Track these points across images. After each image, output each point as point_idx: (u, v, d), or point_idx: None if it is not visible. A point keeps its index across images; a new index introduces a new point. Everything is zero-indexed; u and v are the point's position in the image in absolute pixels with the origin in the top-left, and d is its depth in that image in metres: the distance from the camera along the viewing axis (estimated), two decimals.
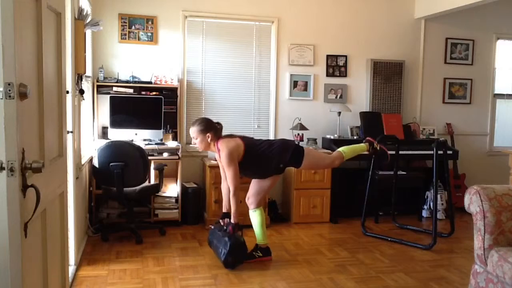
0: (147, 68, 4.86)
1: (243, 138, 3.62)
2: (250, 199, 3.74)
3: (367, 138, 4.00)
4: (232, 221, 3.54)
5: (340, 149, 3.84)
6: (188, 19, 5.00)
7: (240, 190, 3.54)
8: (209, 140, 3.55)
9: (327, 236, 4.50)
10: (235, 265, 3.52)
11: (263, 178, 3.70)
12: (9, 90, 1.45)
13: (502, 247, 2.59)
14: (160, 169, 4.32)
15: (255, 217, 3.72)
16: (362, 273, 3.51)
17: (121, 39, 4.82)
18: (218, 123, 3.64)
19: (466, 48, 5.84)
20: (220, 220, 3.72)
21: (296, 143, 3.80)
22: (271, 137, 5.27)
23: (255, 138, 3.80)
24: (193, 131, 3.57)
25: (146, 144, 4.49)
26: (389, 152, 4.68)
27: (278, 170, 3.68)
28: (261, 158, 3.58)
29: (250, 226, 3.82)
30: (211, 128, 3.57)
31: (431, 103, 5.78)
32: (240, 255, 3.53)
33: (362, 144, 3.94)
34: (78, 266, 3.48)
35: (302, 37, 5.30)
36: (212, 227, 3.81)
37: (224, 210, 3.74)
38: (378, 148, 3.94)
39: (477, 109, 5.96)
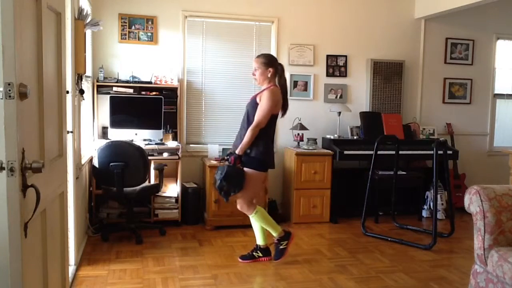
0: (147, 68, 4.86)
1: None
2: (244, 207, 3.63)
3: (290, 232, 3.76)
4: (237, 151, 3.47)
5: (259, 210, 3.66)
6: (188, 19, 5.00)
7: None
8: (269, 75, 3.57)
9: (327, 236, 4.50)
10: (229, 193, 3.44)
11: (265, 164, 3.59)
12: (9, 90, 1.45)
13: (502, 247, 2.59)
14: (160, 169, 4.32)
15: (255, 221, 3.70)
16: (362, 273, 3.51)
17: (121, 39, 4.82)
18: (281, 65, 3.66)
19: (466, 48, 5.84)
20: (226, 157, 3.66)
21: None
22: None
23: None
24: (257, 60, 3.61)
25: (146, 144, 4.49)
26: (389, 152, 4.70)
27: (270, 163, 3.63)
28: (271, 135, 3.62)
29: (249, 226, 3.82)
30: (275, 65, 3.60)
31: (431, 103, 5.78)
32: (236, 182, 3.43)
33: (279, 229, 3.71)
34: (78, 266, 3.48)
35: (302, 37, 5.30)
36: (219, 165, 3.71)
37: (232, 150, 3.63)
38: (285, 245, 3.71)
39: (477, 109, 5.96)
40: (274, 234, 3.71)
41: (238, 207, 3.67)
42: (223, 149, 4.84)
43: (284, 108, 3.68)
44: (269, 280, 3.35)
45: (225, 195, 3.47)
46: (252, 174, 3.50)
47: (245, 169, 3.50)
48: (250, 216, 3.68)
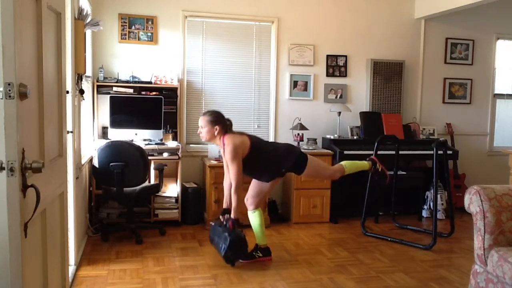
0: (147, 68, 4.86)
1: (250, 136, 3.62)
2: (249, 200, 3.74)
3: (372, 157, 4.05)
4: (232, 216, 3.52)
5: (343, 162, 3.90)
6: (188, 19, 5.00)
7: (242, 188, 3.52)
8: (216, 132, 3.53)
9: (327, 236, 4.50)
10: (235, 260, 3.53)
11: (264, 181, 3.70)
12: (9, 90, 1.45)
13: (502, 247, 2.59)
14: (160, 169, 4.32)
15: (254, 218, 3.72)
16: (362, 273, 3.51)
17: (121, 39, 4.82)
18: (229, 120, 3.63)
19: (466, 48, 5.84)
20: (220, 216, 3.69)
21: (301, 150, 3.79)
22: (271, 137, 5.28)
23: (261, 138, 3.80)
24: (203, 119, 3.57)
25: (146, 144, 4.49)
26: (389, 152, 4.70)
27: (279, 174, 3.70)
28: (265, 159, 3.59)
29: (249, 226, 3.82)
30: (221, 122, 3.56)
31: (431, 103, 5.78)
32: (240, 250, 3.52)
33: (365, 162, 3.99)
34: (78, 266, 3.48)
35: (302, 37, 5.30)
36: (213, 223, 3.80)
37: (224, 206, 3.72)
38: (380, 169, 3.97)
39: (477, 109, 5.96)
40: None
41: (245, 199, 3.76)
42: None
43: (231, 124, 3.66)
44: (269, 280, 3.35)
45: (232, 263, 3.54)
46: (308, 163, 3.62)
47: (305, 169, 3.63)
48: (249, 211, 3.73)
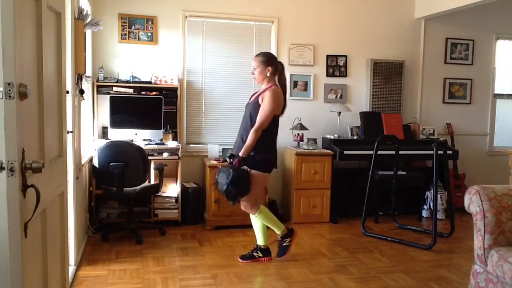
0: (147, 68, 4.86)
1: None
2: (249, 207, 3.64)
3: (292, 229, 3.81)
4: (240, 154, 3.44)
5: (262, 209, 3.67)
6: (188, 19, 4.99)
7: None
8: (268, 73, 3.54)
9: (327, 236, 4.50)
10: (236, 197, 3.44)
11: (265, 156, 3.56)
12: (9, 90, 1.45)
13: (502, 247, 2.59)
14: (160, 169, 4.32)
15: (257, 221, 3.70)
16: (362, 273, 3.51)
17: (121, 39, 4.82)
18: (281, 63, 3.65)
19: (466, 48, 5.84)
20: (227, 158, 3.64)
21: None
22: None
23: None
24: (256, 59, 3.59)
25: (146, 144, 4.49)
26: (389, 152, 4.69)
27: (274, 162, 3.64)
28: (275, 135, 3.62)
29: (249, 226, 3.82)
30: (274, 63, 3.58)
31: (431, 103, 5.78)
32: (242, 185, 3.41)
33: (282, 225, 3.75)
34: (78, 266, 3.48)
35: (302, 37, 5.30)
36: (220, 167, 3.69)
37: (233, 152, 3.61)
38: (289, 244, 3.74)
39: (477, 109, 5.96)
40: (278, 232, 3.72)
41: (242, 207, 3.66)
42: (223, 149, 4.84)
43: (283, 107, 3.67)
44: (269, 280, 3.35)
45: (233, 199, 3.47)
46: (258, 176, 3.50)
47: (250, 170, 3.49)
48: (254, 216, 3.68)
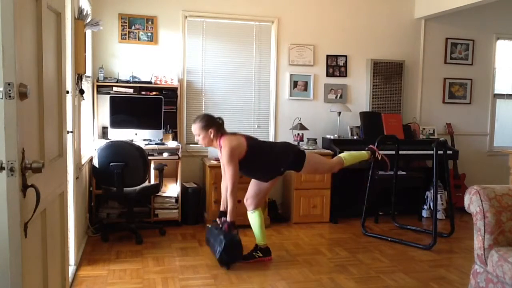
0: (147, 68, 4.86)
1: (246, 137, 3.60)
2: (249, 200, 3.73)
3: (370, 146, 4.01)
4: (228, 219, 3.52)
5: (341, 155, 3.87)
6: (188, 19, 5.00)
7: (239, 190, 3.53)
8: (211, 136, 3.53)
9: (327, 236, 4.50)
10: (230, 264, 3.52)
11: (263, 181, 3.69)
12: (9, 90, 1.45)
13: (502, 247, 2.59)
14: (160, 169, 4.32)
15: (254, 218, 3.72)
16: (362, 273, 3.51)
17: (121, 39, 4.82)
18: (220, 118, 3.63)
19: (466, 48, 5.84)
20: (217, 219, 3.70)
21: (298, 147, 3.79)
22: (271, 137, 5.28)
23: (258, 139, 3.78)
24: (195, 127, 3.56)
25: (146, 144, 4.49)
26: (389, 152, 4.69)
27: (278, 173, 3.68)
28: (263, 159, 3.58)
29: (249, 226, 3.82)
30: (213, 124, 3.55)
31: (431, 103, 5.78)
32: (235, 253, 3.51)
33: (363, 152, 3.94)
34: (78, 266, 3.48)
35: (302, 37, 5.30)
36: (209, 226, 3.81)
37: (221, 208, 3.73)
38: (379, 157, 3.95)
39: (477, 109, 5.96)
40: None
41: (245, 199, 3.75)
42: None
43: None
44: (269, 280, 3.35)
45: (227, 266, 3.52)
46: (306, 161, 3.61)
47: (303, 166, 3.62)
48: (249, 212, 3.73)
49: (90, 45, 4.46)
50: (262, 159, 3.58)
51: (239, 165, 3.48)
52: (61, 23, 2.19)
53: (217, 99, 5.13)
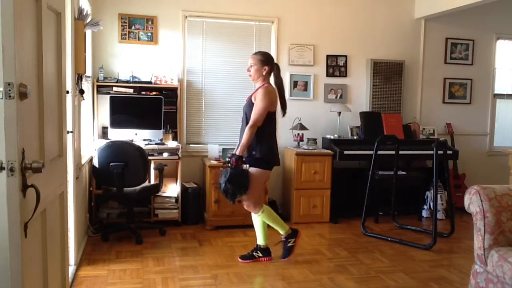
0: (147, 68, 4.86)
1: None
2: (251, 207, 3.65)
3: (296, 229, 3.80)
4: (237, 153, 3.46)
5: (265, 208, 3.68)
6: (188, 19, 4.99)
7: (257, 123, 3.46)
8: (264, 72, 3.56)
9: (327, 236, 4.50)
10: (235, 195, 3.42)
11: (264, 154, 3.55)
12: (9, 90, 1.45)
13: (502, 247, 2.59)
14: (160, 169, 4.32)
15: (258, 220, 3.70)
16: (362, 273, 3.51)
17: (121, 39, 4.81)
18: (277, 65, 3.67)
19: (466, 48, 5.84)
20: (227, 159, 3.64)
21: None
22: None
23: None
24: (254, 57, 3.60)
25: (146, 144, 4.49)
26: (389, 152, 4.69)
27: (275, 160, 3.65)
28: (273, 133, 3.62)
29: (251, 226, 3.82)
30: (272, 63, 3.60)
31: (431, 103, 5.78)
32: (240, 184, 3.41)
33: (286, 226, 3.74)
34: (78, 266, 3.48)
35: (302, 37, 5.30)
36: (222, 169, 3.68)
37: (235, 151, 3.59)
38: (293, 244, 3.74)
39: (477, 109, 5.96)
40: (282, 232, 3.72)
41: (245, 206, 3.67)
42: (223, 149, 4.84)
43: (284, 108, 3.69)
44: (269, 280, 3.35)
45: (231, 198, 3.46)
46: (258, 174, 3.51)
47: (250, 169, 3.50)
48: (257, 215, 3.67)
49: (90, 45, 4.46)
50: (274, 132, 3.62)
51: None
52: (61, 23, 2.19)
53: (217, 99, 5.13)
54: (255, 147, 3.50)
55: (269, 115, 3.52)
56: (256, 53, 3.68)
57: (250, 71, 3.63)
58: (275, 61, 3.74)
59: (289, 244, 3.72)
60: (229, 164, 3.49)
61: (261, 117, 3.46)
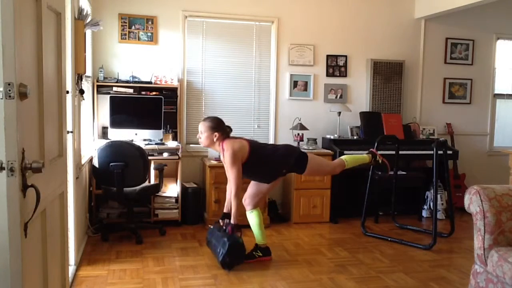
0: (147, 68, 4.86)
1: (248, 140, 3.63)
2: (247, 200, 3.75)
3: (371, 150, 4.05)
4: (231, 221, 3.54)
5: (343, 157, 3.91)
6: (188, 19, 4.99)
7: (242, 191, 3.55)
8: (215, 139, 3.54)
9: (327, 236, 4.50)
10: (233, 266, 3.51)
11: (266, 182, 3.70)
12: (9, 90, 1.45)
13: (502, 247, 2.59)
14: (160, 169, 4.32)
15: (252, 218, 3.73)
16: (362, 273, 3.51)
17: (121, 39, 4.82)
18: (229, 127, 3.65)
19: (466, 48, 5.84)
20: (220, 220, 3.71)
21: (300, 149, 3.80)
22: (271, 137, 5.28)
23: (260, 142, 3.82)
24: (202, 125, 3.58)
25: (146, 144, 4.49)
26: (389, 152, 4.69)
27: (280, 174, 3.71)
28: (265, 161, 3.59)
29: (249, 226, 3.82)
30: (221, 129, 3.57)
31: (431, 103, 5.78)
32: (238, 256, 3.52)
33: (365, 155, 3.99)
34: (78, 266, 3.48)
35: (302, 37, 5.30)
36: (211, 227, 3.82)
37: (225, 210, 3.74)
38: (380, 161, 3.99)
39: (477, 109, 5.96)
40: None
41: (245, 195, 3.77)
42: None
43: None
44: (269, 280, 3.35)
45: (229, 268, 3.50)
46: (309, 163, 3.64)
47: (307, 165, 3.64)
48: (248, 212, 3.74)
49: (90, 45, 4.46)
50: (265, 162, 3.59)
51: (242, 169, 3.49)
52: (61, 23, 2.19)
53: (217, 99, 5.13)
54: (277, 167, 3.63)
55: (248, 159, 3.50)
56: (205, 120, 3.61)
57: (200, 138, 3.60)
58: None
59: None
60: (224, 231, 3.56)
61: (239, 179, 3.46)
